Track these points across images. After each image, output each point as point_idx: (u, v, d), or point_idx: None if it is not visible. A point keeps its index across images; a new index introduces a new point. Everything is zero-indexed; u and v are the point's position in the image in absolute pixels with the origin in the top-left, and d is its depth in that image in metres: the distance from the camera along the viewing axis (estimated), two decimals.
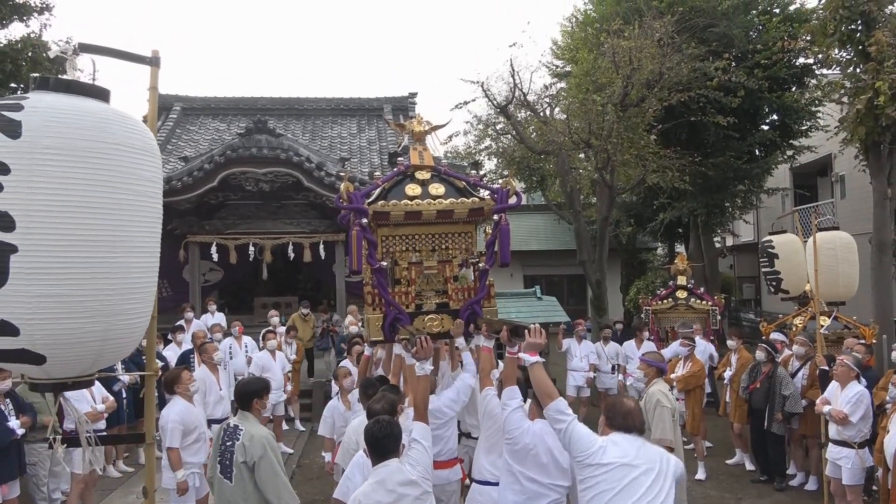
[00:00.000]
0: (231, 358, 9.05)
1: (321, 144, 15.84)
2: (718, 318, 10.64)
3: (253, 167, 11.78)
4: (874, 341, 7.98)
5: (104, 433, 5.82)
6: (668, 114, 13.85)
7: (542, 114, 14.42)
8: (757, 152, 16.47)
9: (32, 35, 11.44)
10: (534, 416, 3.47)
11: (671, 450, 4.01)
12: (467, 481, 4.25)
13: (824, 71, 13.23)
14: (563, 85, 16.29)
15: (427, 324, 4.33)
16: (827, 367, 6.33)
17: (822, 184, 20.37)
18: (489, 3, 67.87)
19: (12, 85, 10.98)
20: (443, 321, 4.38)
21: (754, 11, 15.47)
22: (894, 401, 5.73)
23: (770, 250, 9.08)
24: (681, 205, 16.71)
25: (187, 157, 12.89)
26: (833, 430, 5.84)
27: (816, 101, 14.18)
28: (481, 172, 16.11)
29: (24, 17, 11.48)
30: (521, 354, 3.39)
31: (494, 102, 13.94)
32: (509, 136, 15.61)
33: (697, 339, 8.94)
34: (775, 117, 16.29)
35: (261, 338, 9.00)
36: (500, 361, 4.29)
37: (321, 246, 12.50)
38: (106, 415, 6.22)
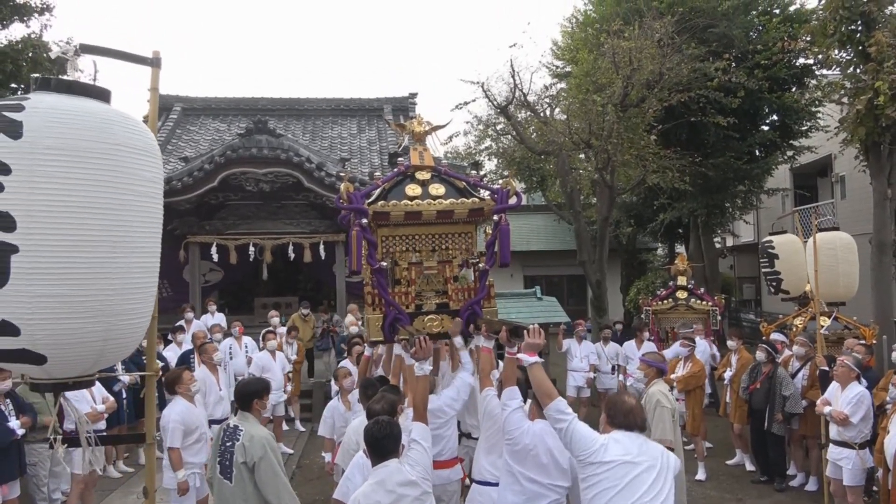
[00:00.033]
0: (231, 358, 9.06)
1: (321, 145, 15.85)
2: (718, 318, 10.64)
3: (253, 167, 11.78)
4: (874, 342, 7.98)
5: (104, 433, 5.82)
6: (669, 114, 13.85)
7: (542, 114, 14.42)
8: (757, 153, 16.47)
9: (33, 35, 11.45)
10: (534, 417, 3.48)
11: (671, 450, 4.02)
12: (467, 482, 4.25)
13: (824, 71, 13.25)
14: (563, 85, 16.29)
15: (427, 324, 4.34)
16: (827, 368, 6.32)
17: (823, 184, 20.37)
18: (489, 4, 67.93)
19: (13, 85, 10.99)
20: (443, 321, 4.39)
21: (754, 12, 15.47)
22: (894, 401, 5.74)
23: (770, 251, 9.08)
24: (681, 205, 16.71)
25: (187, 158, 12.90)
26: (833, 431, 5.84)
27: (816, 102, 14.18)
28: (481, 173, 16.11)
29: (25, 18, 11.49)
30: (519, 355, 3.39)
31: (495, 103, 13.94)
32: (509, 136, 15.61)
33: (698, 339, 8.94)
34: (775, 118, 16.29)
35: (261, 338, 9.00)
36: (500, 362, 4.29)
37: (321, 246, 12.50)
38: (106, 415, 6.22)
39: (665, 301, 10.74)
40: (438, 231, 4.41)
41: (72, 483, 6.04)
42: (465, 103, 14.95)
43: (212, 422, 6.02)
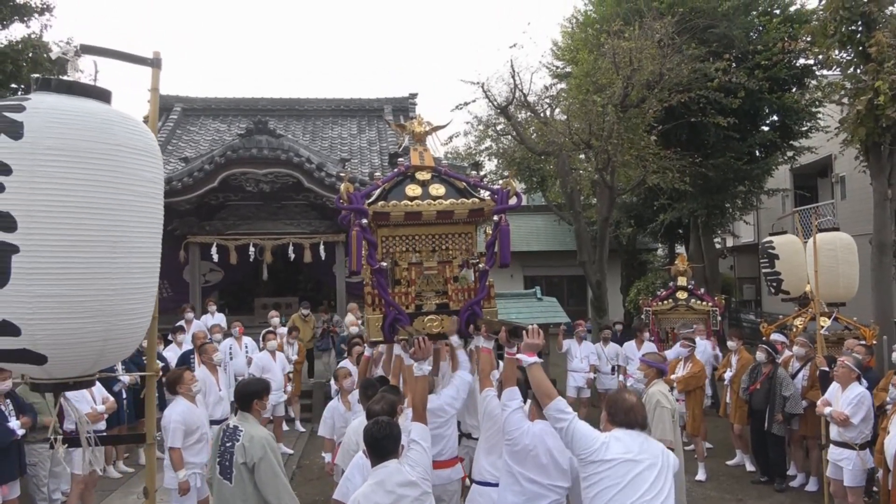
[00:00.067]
0: (231, 358, 9.06)
1: (321, 145, 15.86)
2: (719, 318, 10.64)
3: (253, 168, 11.79)
4: (874, 342, 7.98)
5: (104, 434, 5.82)
6: (669, 115, 13.85)
7: (542, 115, 14.43)
8: (757, 153, 16.47)
9: (33, 36, 11.45)
10: (533, 417, 3.48)
11: (671, 450, 4.02)
12: (467, 482, 4.25)
13: (824, 72, 13.23)
14: (563, 86, 16.29)
15: (427, 324, 4.34)
16: (827, 369, 6.32)
17: (823, 185, 20.37)
18: (490, 5, 67.96)
19: (13, 85, 10.99)
20: (443, 322, 4.39)
21: (755, 12, 15.47)
22: (895, 402, 5.74)
23: (770, 251, 9.08)
24: (681, 206, 16.71)
25: (188, 158, 12.90)
26: (834, 432, 5.84)
27: (817, 102, 14.16)
28: (481, 173, 16.11)
29: (25, 18, 11.48)
30: (519, 355, 3.40)
31: (495, 103, 13.95)
32: (510, 136, 15.61)
33: (699, 340, 8.94)
34: (775, 118, 16.29)
35: (261, 338, 9.00)
36: (500, 362, 4.29)
37: (321, 246, 12.51)
38: (106, 415, 6.22)
39: (665, 301, 10.74)
40: (438, 231, 4.41)
41: (72, 483, 6.04)
42: (466, 104, 14.99)
43: (211, 422, 6.01)
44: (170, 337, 9.12)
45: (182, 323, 9.96)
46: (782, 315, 10.98)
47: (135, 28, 70.54)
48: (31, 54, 11.11)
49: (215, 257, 12.28)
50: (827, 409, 5.84)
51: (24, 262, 2.08)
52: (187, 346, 8.74)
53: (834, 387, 5.95)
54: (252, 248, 12.57)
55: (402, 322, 4.22)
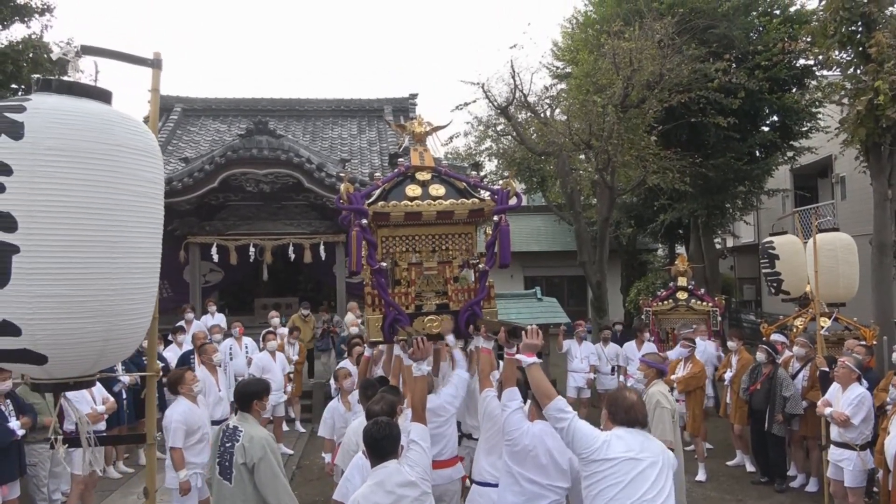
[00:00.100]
0: (231, 359, 9.06)
1: (322, 145, 15.86)
2: (719, 319, 10.64)
3: (253, 168, 11.79)
4: (874, 343, 7.98)
5: (104, 434, 5.82)
6: (669, 115, 13.85)
7: (542, 115, 14.43)
8: (757, 153, 16.47)
9: (33, 36, 11.46)
10: (533, 418, 3.48)
11: (671, 450, 4.02)
12: (468, 483, 4.25)
13: (824, 72, 13.24)
14: (563, 86, 16.31)
15: (427, 325, 4.34)
16: (827, 369, 6.32)
17: (823, 185, 20.37)
18: (490, 5, 67.96)
19: (13, 86, 10.99)
20: (443, 322, 4.38)
21: (755, 13, 15.47)
22: (895, 402, 5.73)
23: (771, 251, 9.08)
24: (681, 206, 16.71)
25: (188, 158, 12.91)
26: (834, 432, 5.84)
27: (817, 103, 14.16)
28: (482, 173, 16.12)
29: (26, 18, 11.50)
30: (518, 355, 3.40)
31: (495, 104, 13.96)
32: (510, 137, 15.62)
33: (701, 340, 8.93)
34: (776, 118, 16.29)
35: (261, 339, 9.00)
36: (500, 363, 4.30)
37: (321, 247, 12.51)
38: (106, 416, 6.22)
39: (665, 302, 10.74)
40: (438, 232, 4.41)
41: (72, 483, 6.04)
42: (466, 104, 15.02)
43: (211, 423, 6.02)
44: (170, 337, 9.12)
45: (182, 323, 9.95)
46: (782, 315, 10.98)
47: (135, 28, 70.59)
48: (31, 55, 11.12)
49: (215, 257, 12.28)
50: (827, 410, 5.84)
51: (25, 263, 2.08)
52: (187, 346, 8.74)
53: (834, 387, 5.95)
54: (252, 249, 12.57)
55: (401, 322, 4.22)
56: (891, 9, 10.34)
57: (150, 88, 2.95)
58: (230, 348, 9.17)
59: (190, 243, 12.40)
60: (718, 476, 7.65)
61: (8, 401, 5.35)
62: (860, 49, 10.02)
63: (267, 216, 12.87)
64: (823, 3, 10.48)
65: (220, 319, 10.70)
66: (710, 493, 7.09)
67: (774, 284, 9.17)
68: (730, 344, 8.46)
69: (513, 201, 4.49)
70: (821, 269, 6.92)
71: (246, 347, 9.28)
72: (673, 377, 7.49)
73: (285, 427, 9.24)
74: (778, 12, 15.47)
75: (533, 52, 47.69)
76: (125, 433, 7.01)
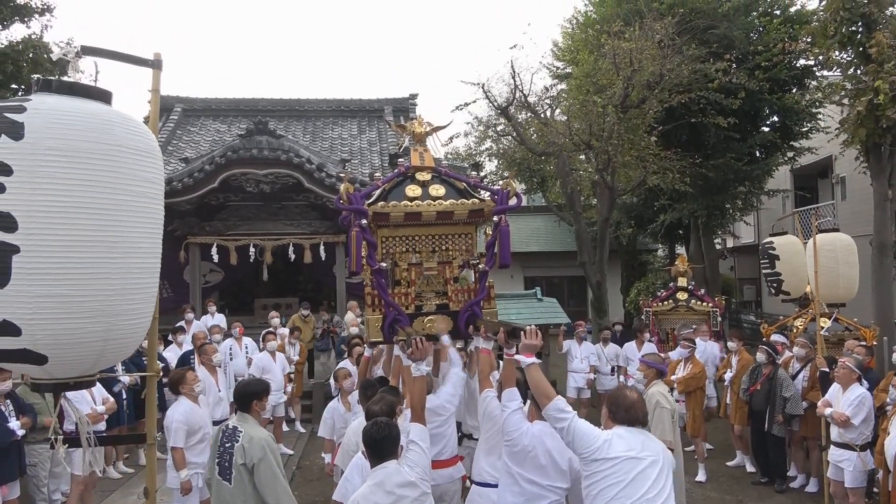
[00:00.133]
0: (231, 359, 9.06)
1: (322, 146, 15.86)
2: (719, 319, 10.64)
3: (253, 168, 11.78)
4: (875, 343, 7.98)
5: (104, 434, 5.82)
6: (669, 115, 13.85)
7: (542, 115, 14.43)
8: (757, 154, 16.47)
9: (33, 36, 11.47)
10: (533, 418, 3.48)
11: (671, 450, 4.02)
12: (468, 483, 4.25)
13: (825, 72, 13.25)
14: (563, 86, 16.31)
15: (427, 325, 4.33)
16: (827, 369, 6.32)
17: (823, 185, 20.37)
18: (490, 5, 67.96)
19: (13, 86, 11.00)
20: (436, 322, 4.38)
21: (755, 13, 15.48)
22: (895, 403, 5.73)
23: (771, 252, 9.08)
24: (681, 206, 16.71)
25: (188, 159, 12.90)
26: (835, 433, 5.84)
27: (817, 103, 14.18)
28: (482, 174, 16.12)
29: (26, 18, 11.50)
30: (517, 356, 3.40)
31: (495, 104, 13.96)
32: (510, 137, 15.62)
33: (701, 341, 8.93)
34: (776, 119, 16.29)
35: (261, 339, 9.00)
36: (500, 363, 4.30)
37: (322, 247, 12.51)
38: (106, 416, 6.22)
39: (665, 302, 10.74)
40: (438, 232, 4.41)
41: (72, 484, 6.04)
42: (466, 104, 15.06)
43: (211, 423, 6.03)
44: (170, 337, 9.12)
45: (182, 323, 9.95)
46: (782, 316, 10.98)
47: (135, 28, 70.61)
48: (31, 55, 11.12)
49: (215, 258, 12.28)
50: (827, 410, 5.84)
51: (25, 263, 2.09)
52: (187, 346, 8.74)
53: (834, 388, 5.95)
54: (252, 249, 12.56)
55: (401, 323, 4.22)
56: (891, 9, 10.34)
57: (150, 89, 2.95)
58: (230, 349, 9.17)
59: (190, 243, 12.39)
60: (718, 476, 7.65)
61: (8, 401, 5.35)
62: (860, 49, 10.02)
63: (267, 216, 12.87)
64: (824, 3, 10.48)
65: (220, 320, 10.69)
66: (710, 494, 7.09)
67: (774, 285, 9.17)
68: (730, 344, 8.47)
69: (513, 201, 4.49)
70: (821, 270, 6.92)
71: (246, 348, 9.28)
72: (673, 378, 7.49)
73: (285, 427, 9.24)
74: (778, 13, 15.48)
75: (533, 53, 47.73)
76: (125, 433, 7.01)
